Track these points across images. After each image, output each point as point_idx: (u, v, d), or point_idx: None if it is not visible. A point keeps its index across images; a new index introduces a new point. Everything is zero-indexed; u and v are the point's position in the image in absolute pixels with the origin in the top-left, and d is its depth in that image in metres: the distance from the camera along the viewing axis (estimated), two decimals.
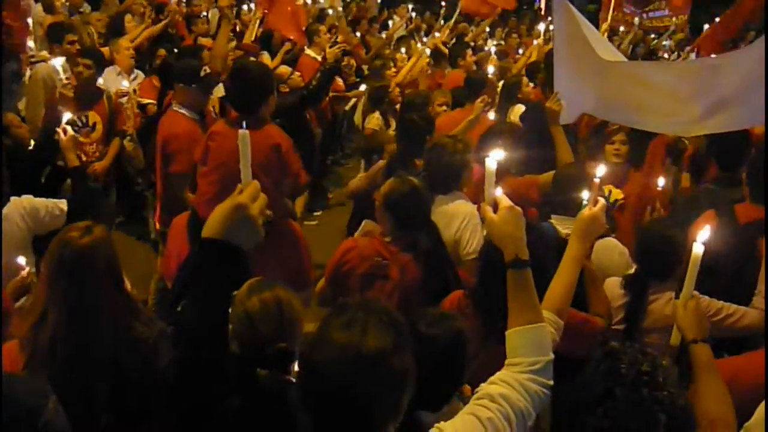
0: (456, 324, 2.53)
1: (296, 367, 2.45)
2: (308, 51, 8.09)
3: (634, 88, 4.57)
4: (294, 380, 2.44)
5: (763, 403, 2.22)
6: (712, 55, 6.52)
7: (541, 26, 11.70)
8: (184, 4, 9.46)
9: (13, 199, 3.88)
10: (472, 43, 10.31)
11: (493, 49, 9.15)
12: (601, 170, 2.66)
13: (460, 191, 4.27)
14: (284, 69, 7.09)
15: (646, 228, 3.61)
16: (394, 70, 7.93)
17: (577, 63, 4.79)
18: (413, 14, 13.14)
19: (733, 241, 3.38)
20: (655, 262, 3.43)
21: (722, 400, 2.27)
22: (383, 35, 11.45)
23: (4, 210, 3.78)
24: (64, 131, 4.17)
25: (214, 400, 1.69)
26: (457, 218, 4.11)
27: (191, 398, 1.66)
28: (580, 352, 2.30)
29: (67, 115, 4.56)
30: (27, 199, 3.93)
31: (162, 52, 7.55)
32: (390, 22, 12.68)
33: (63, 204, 3.96)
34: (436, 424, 1.80)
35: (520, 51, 10.02)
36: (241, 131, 1.83)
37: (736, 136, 4.38)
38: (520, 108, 6.67)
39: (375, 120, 6.51)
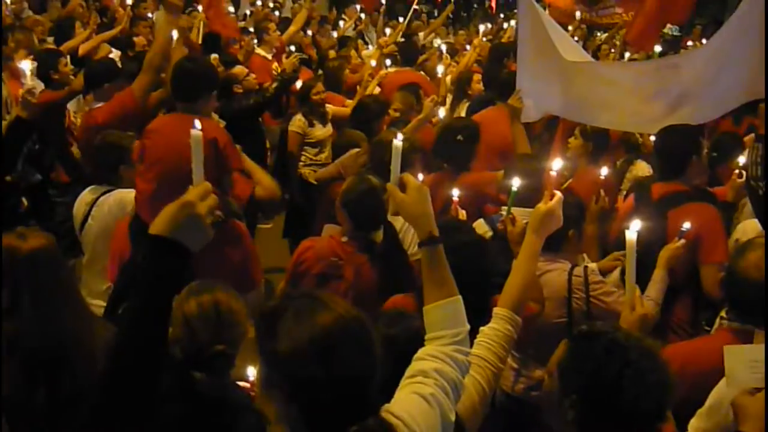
0: (415, 323, 2.50)
1: (251, 374, 2.45)
2: (258, 50, 8.00)
3: (597, 88, 4.69)
4: (236, 384, 2.45)
5: (715, 390, 2.26)
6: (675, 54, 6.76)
7: (484, 25, 11.73)
8: (130, 7, 9.26)
9: (115, 191, 4.15)
10: (422, 42, 10.36)
11: (443, 48, 9.15)
12: (557, 164, 2.69)
13: None
14: (240, 69, 7.03)
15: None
16: (348, 69, 7.92)
17: (541, 62, 4.89)
18: (362, 15, 13.12)
19: (646, 218, 3.44)
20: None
21: None
22: (334, 35, 11.43)
23: (101, 199, 4.12)
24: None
25: (150, 405, 1.66)
26: (401, 218, 4.10)
27: (127, 400, 1.62)
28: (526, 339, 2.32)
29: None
30: (123, 192, 4.14)
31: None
32: (341, 23, 12.66)
33: None
34: (385, 406, 1.79)
35: (468, 48, 10.06)
36: (193, 132, 1.81)
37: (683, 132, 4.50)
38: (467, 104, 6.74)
39: (298, 122, 6.41)
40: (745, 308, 2.60)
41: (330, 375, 1.60)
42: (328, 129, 6.51)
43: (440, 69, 7.43)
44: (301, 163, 6.40)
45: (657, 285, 3.34)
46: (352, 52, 9.00)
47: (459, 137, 4.77)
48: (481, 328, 2.41)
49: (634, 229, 2.52)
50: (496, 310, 2.44)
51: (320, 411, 1.62)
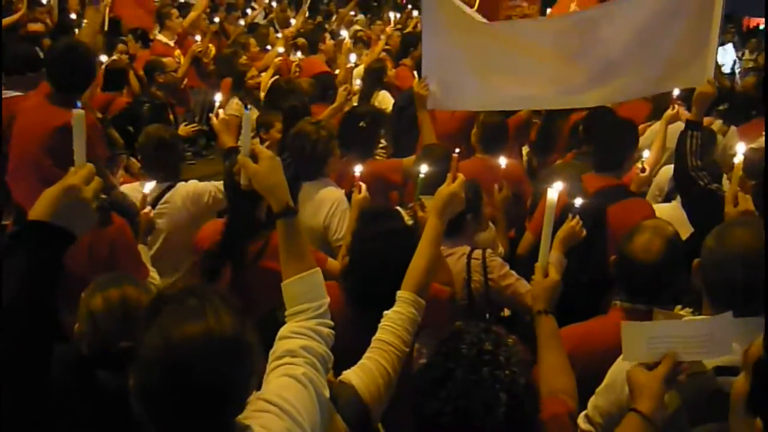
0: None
1: None
2: (160, 36, 7.82)
3: (517, 60, 4.54)
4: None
5: (612, 368, 2.28)
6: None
7: (394, 14, 11.77)
8: None
9: (180, 184, 4.21)
10: (331, 29, 10.32)
11: (345, 35, 9.15)
12: (457, 148, 2.71)
13: (326, 177, 4.26)
14: (170, 61, 6.95)
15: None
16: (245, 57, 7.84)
17: (450, 48, 4.72)
18: (273, 4, 12.96)
19: (583, 211, 3.50)
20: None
21: (563, 371, 2.34)
22: (242, 23, 11.26)
23: (169, 195, 4.16)
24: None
25: (38, 403, 1.58)
26: (326, 205, 4.11)
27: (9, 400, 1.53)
28: (439, 322, 2.32)
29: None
30: (192, 184, 4.24)
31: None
32: (249, 11, 12.47)
33: (221, 186, 3.97)
34: (256, 393, 1.74)
35: (382, 37, 10.07)
36: (75, 111, 1.75)
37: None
38: (385, 94, 6.72)
39: (234, 105, 6.42)
40: (635, 289, 2.68)
41: (173, 387, 1.51)
42: None
43: (353, 58, 7.42)
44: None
45: (554, 268, 3.38)
46: (251, 40, 8.96)
47: (361, 124, 4.77)
48: (385, 312, 2.39)
49: (555, 189, 2.52)
50: (399, 293, 2.42)
51: (167, 423, 1.54)
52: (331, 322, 2.00)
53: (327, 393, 1.88)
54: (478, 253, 3.51)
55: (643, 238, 2.65)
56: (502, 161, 4.29)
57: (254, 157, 2.05)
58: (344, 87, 5.58)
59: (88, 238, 3.24)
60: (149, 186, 4.07)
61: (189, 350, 1.51)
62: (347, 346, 2.28)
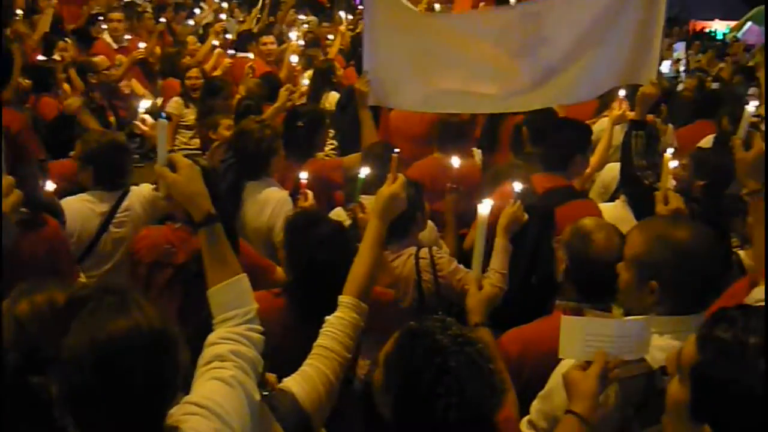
0: None
1: None
2: (105, 36, 7.68)
3: (459, 56, 4.45)
4: None
5: (555, 372, 2.26)
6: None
7: (345, 15, 11.72)
8: None
9: (133, 188, 4.02)
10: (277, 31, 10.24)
11: (293, 36, 9.09)
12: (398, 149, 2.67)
13: (270, 177, 4.21)
14: (102, 59, 6.79)
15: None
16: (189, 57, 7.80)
17: (392, 42, 4.60)
18: (224, 4, 12.80)
19: (531, 211, 3.50)
20: (392, 222, 3.49)
21: None
22: (190, 22, 11.10)
23: (127, 202, 3.95)
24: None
25: None
26: (269, 205, 4.06)
27: None
28: (386, 326, 2.26)
29: None
30: (146, 187, 4.05)
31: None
32: (197, 10, 12.29)
33: None
34: (185, 397, 1.70)
35: (330, 37, 10.03)
36: None
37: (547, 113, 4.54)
38: (335, 95, 6.66)
39: (174, 103, 6.42)
40: (594, 288, 2.64)
41: (107, 387, 1.46)
42: None
43: (294, 59, 7.39)
44: (175, 147, 6.23)
45: (500, 255, 3.35)
46: (190, 38, 9.01)
47: (299, 123, 4.71)
48: (327, 317, 2.34)
49: (486, 205, 2.50)
50: (341, 298, 2.37)
51: (98, 427, 1.49)
52: (261, 328, 1.97)
53: (257, 396, 1.85)
54: (424, 252, 3.49)
55: (602, 237, 2.62)
56: (455, 161, 4.26)
57: (172, 166, 2.02)
58: (285, 87, 5.51)
59: (27, 244, 3.11)
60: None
61: (119, 347, 1.47)
62: (291, 355, 2.27)
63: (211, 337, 1.90)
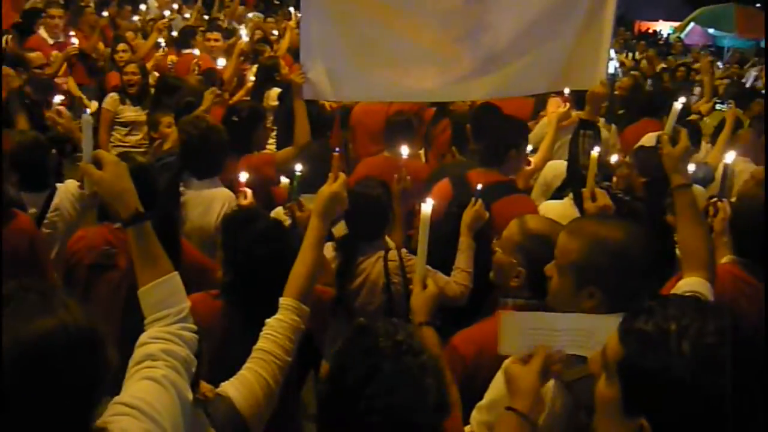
0: None
1: None
2: (42, 31, 7.51)
3: (400, 43, 4.33)
4: None
5: (494, 381, 2.18)
6: None
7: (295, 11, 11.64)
8: None
9: (59, 186, 3.94)
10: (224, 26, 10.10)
11: (243, 32, 8.97)
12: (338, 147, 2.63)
13: (214, 176, 4.13)
14: (37, 56, 6.63)
15: (351, 191, 3.71)
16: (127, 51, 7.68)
17: (330, 30, 4.38)
18: (174, 5, 12.59)
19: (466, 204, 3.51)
20: (363, 223, 3.52)
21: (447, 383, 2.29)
22: (135, 18, 10.88)
23: (56, 200, 3.88)
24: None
25: None
26: (217, 203, 3.99)
27: None
28: (318, 325, 2.22)
29: None
30: (71, 183, 3.97)
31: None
32: (142, 6, 12.03)
33: None
34: (115, 398, 1.66)
35: (275, 33, 9.93)
36: None
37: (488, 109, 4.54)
38: (277, 91, 6.58)
39: (110, 99, 6.34)
40: (537, 285, 2.58)
41: (32, 387, 1.39)
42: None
43: (221, 62, 7.22)
44: (110, 144, 6.13)
45: (465, 253, 3.37)
46: (129, 34, 8.93)
47: (234, 118, 4.66)
48: (267, 320, 2.28)
49: (429, 203, 2.47)
50: (281, 300, 2.32)
51: (17, 424, 1.40)
52: (194, 327, 1.93)
53: (190, 396, 1.81)
54: (393, 254, 3.48)
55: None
56: (403, 154, 4.24)
57: (98, 163, 1.96)
58: (211, 90, 5.32)
59: (11, 241, 3.12)
60: None
61: (45, 346, 1.41)
62: (231, 359, 2.20)
63: (143, 337, 1.85)
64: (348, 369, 1.74)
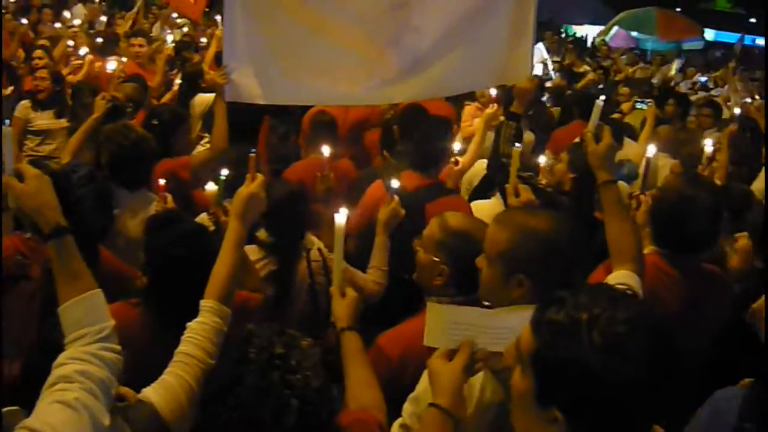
0: None
1: None
2: None
3: (324, 45, 4.24)
4: None
5: (425, 374, 2.22)
6: None
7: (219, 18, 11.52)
8: None
9: None
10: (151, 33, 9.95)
11: (169, 39, 8.84)
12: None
13: (146, 185, 4.03)
14: None
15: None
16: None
17: (253, 30, 4.25)
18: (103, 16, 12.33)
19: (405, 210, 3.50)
20: (283, 224, 3.49)
21: (370, 385, 2.28)
22: (58, 25, 10.59)
23: None
24: None
25: None
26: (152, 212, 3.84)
27: None
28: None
29: None
30: None
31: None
32: (66, 12, 11.72)
33: None
34: (22, 422, 1.61)
35: (203, 40, 9.81)
36: None
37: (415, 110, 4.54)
38: (203, 97, 6.47)
39: (22, 107, 6.22)
40: (468, 284, 2.57)
41: None
42: (61, 122, 6.13)
43: (112, 65, 7.01)
44: (23, 154, 5.91)
45: (380, 252, 3.37)
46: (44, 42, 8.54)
47: (154, 122, 4.60)
48: (188, 324, 2.23)
49: (342, 214, 2.47)
50: (202, 302, 2.26)
51: None
52: (118, 347, 1.88)
53: (107, 421, 1.74)
54: (315, 253, 3.45)
55: (479, 231, 2.52)
56: (326, 151, 4.23)
57: (20, 176, 1.91)
58: (101, 95, 5.13)
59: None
60: None
61: None
62: (152, 366, 2.14)
63: (60, 358, 1.79)
64: (216, 376, 1.76)
